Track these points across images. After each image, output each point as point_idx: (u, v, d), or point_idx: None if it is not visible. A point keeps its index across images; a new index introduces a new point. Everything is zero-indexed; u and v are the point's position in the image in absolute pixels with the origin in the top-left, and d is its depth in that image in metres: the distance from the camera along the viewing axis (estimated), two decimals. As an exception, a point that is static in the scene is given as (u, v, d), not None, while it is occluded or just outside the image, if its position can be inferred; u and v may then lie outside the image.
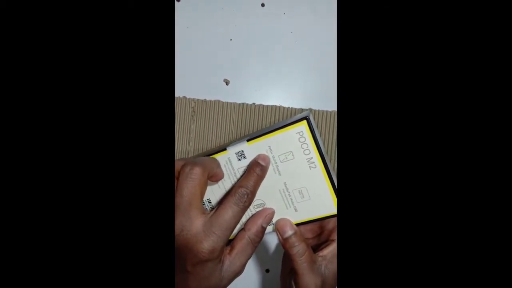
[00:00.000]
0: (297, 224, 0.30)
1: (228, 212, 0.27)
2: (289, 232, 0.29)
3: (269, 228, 0.30)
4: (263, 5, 0.37)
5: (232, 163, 0.30)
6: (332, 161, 0.36)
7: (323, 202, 0.29)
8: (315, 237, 0.33)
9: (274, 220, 0.30)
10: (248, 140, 0.29)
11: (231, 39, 0.37)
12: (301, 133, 0.28)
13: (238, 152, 0.29)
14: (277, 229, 0.29)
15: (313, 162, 0.28)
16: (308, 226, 0.32)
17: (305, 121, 0.27)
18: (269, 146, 0.29)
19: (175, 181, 0.27)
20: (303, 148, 0.28)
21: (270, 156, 0.29)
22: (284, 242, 0.29)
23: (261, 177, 0.29)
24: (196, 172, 0.27)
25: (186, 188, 0.26)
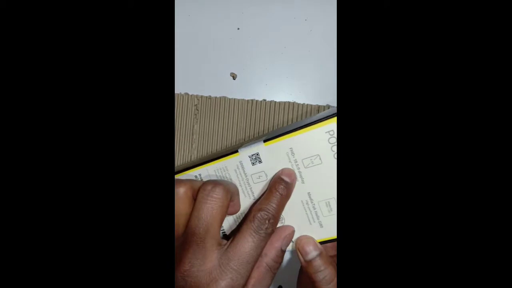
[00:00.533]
0: (322, 243, 0.25)
1: (248, 242, 0.22)
2: (313, 253, 0.24)
3: (289, 246, 0.26)
4: (274, -11, 0.33)
5: (244, 168, 0.26)
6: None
7: None
8: None
9: (294, 237, 0.26)
10: (265, 141, 0.25)
11: (238, 28, 0.33)
12: (331, 133, 0.23)
13: (252, 155, 0.25)
14: (298, 249, 0.25)
15: None
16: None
17: (335, 118, 0.23)
18: (290, 148, 0.24)
19: (192, 201, 0.23)
20: (333, 151, 0.24)
21: (292, 160, 0.25)
22: (306, 265, 0.24)
23: (285, 198, 0.24)
24: (219, 192, 0.23)
25: (206, 209, 0.22)
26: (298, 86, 0.33)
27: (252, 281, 0.23)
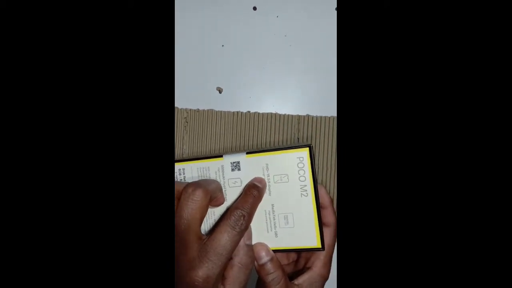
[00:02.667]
0: (274, 251, 0.29)
1: (224, 237, 0.25)
2: (265, 258, 0.27)
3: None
4: (255, 8, 0.35)
5: (224, 172, 0.29)
6: (332, 188, 0.34)
7: (306, 232, 0.28)
8: (290, 263, 0.31)
9: (253, 242, 0.29)
10: (247, 153, 0.28)
11: (222, 45, 0.36)
12: (301, 159, 0.27)
13: (233, 162, 0.29)
14: None
15: (306, 191, 0.28)
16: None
17: (307, 148, 0.27)
18: (266, 164, 0.28)
19: (176, 201, 0.26)
20: (299, 174, 0.28)
21: (265, 174, 0.28)
22: (259, 268, 0.27)
23: (258, 199, 0.27)
24: (199, 194, 0.25)
25: (187, 210, 0.25)
26: (279, 98, 0.36)
27: (228, 281, 0.26)
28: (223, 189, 0.29)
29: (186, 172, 0.30)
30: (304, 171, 0.27)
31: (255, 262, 0.28)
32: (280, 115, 0.35)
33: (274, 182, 0.28)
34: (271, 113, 0.35)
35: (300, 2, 0.35)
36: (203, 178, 0.29)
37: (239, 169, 0.28)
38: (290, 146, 0.28)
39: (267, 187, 0.28)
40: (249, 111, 0.35)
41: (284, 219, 0.28)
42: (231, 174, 0.29)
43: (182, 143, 0.36)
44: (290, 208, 0.28)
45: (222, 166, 0.29)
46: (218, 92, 0.36)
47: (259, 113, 0.35)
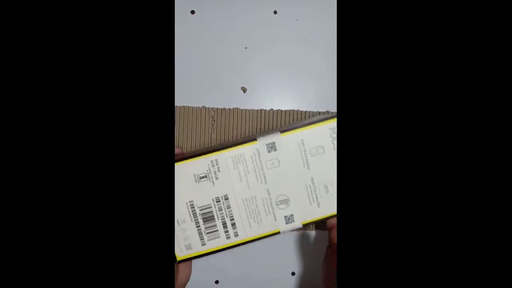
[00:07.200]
0: (321, 220, 0.30)
1: None
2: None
3: (294, 225, 0.30)
4: (275, 12, 0.38)
5: (260, 155, 0.29)
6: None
7: None
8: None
9: (295, 213, 0.30)
10: (281, 132, 0.29)
11: (246, 47, 0.38)
12: (333, 129, 0.29)
13: (269, 144, 0.29)
14: (334, 228, 0.31)
15: None
16: None
17: (336, 118, 0.28)
18: (302, 140, 0.29)
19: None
20: (333, 144, 0.29)
21: (302, 149, 0.29)
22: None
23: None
24: None
25: None
26: (300, 95, 0.38)
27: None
28: (261, 172, 0.29)
29: (219, 162, 0.29)
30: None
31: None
32: (301, 111, 0.37)
33: (311, 155, 0.29)
34: (293, 110, 0.37)
35: (318, 5, 0.37)
36: (239, 166, 0.29)
37: (275, 150, 0.29)
38: (320, 118, 0.29)
39: (305, 161, 0.29)
40: (272, 109, 0.38)
41: (325, 188, 0.30)
42: (268, 155, 0.29)
43: (209, 141, 0.38)
44: (329, 177, 0.29)
45: (257, 149, 0.29)
46: (242, 91, 0.38)
47: (281, 110, 0.37)
